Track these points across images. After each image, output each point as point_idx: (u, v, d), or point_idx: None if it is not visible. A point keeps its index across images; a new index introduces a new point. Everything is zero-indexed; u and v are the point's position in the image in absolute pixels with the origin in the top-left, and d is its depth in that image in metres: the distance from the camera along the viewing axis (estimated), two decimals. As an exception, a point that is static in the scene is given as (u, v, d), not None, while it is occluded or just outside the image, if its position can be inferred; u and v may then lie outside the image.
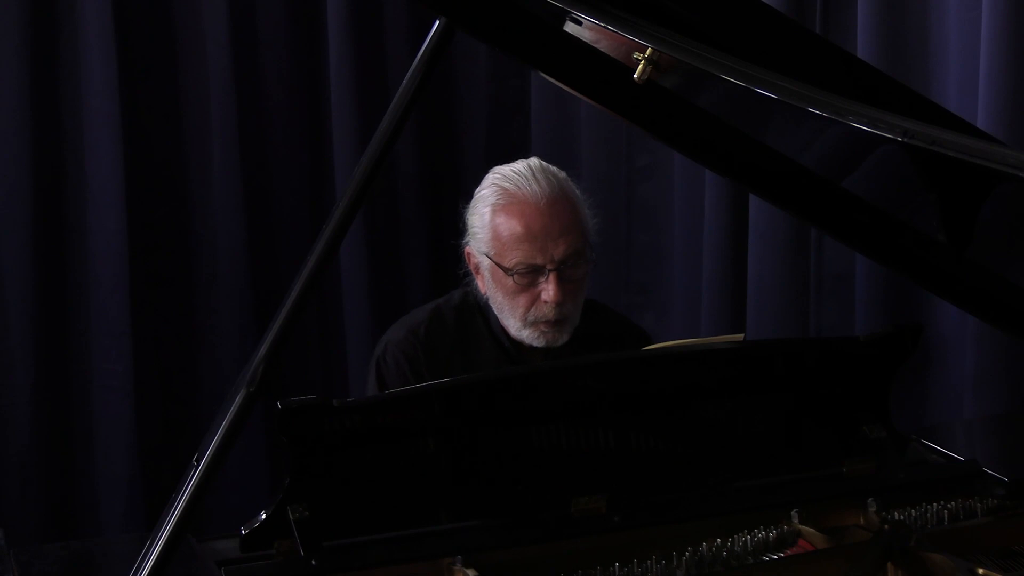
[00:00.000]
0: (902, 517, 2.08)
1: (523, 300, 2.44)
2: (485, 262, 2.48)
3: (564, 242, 2.42)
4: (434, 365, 2.51)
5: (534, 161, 2.51)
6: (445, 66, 3.67)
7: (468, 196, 2.58)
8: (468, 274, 2.56)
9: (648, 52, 1.63)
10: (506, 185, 2.47)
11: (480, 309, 2.56)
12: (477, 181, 2.56)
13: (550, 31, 1.79)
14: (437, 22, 1.79)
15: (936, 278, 2.10)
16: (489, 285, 2.49)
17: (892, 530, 1.95)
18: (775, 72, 1.60)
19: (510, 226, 2.43)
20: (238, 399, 1.74)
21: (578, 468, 2.02)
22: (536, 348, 2.49)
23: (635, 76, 1.64)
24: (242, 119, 3.52)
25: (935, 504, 2.11)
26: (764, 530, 2.01)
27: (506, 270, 2.43)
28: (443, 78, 3.73)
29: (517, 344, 2.51)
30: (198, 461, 1.73)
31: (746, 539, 1.99)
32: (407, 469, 1.95)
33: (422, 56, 1.80)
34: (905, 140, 1.52)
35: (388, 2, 3.63)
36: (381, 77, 3.62)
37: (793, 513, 2.05)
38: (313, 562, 1.83)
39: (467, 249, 2.53)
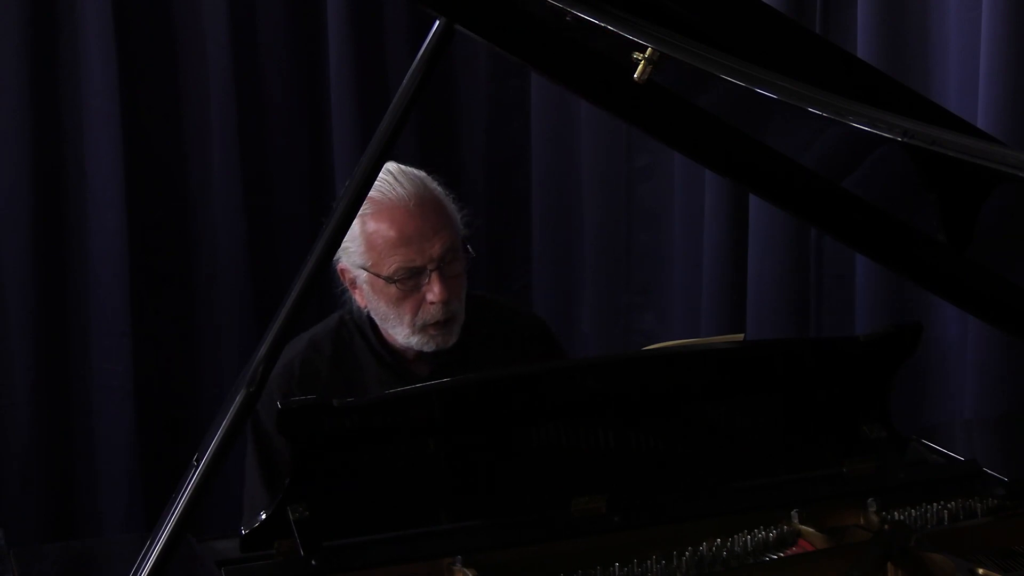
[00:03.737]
0: (902, 517, 2.08)
1: (408, 306, 2.38)
2: (362, 275, 2.41)
3: (439, 240, 2.37)
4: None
5: (392, 165, 2.45)
6: (445, 66, 3.67)
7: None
8: (345, 291, 2.50)
9: (648, 52, 1.63)
10: (371, 194, 2.39)
11: (358, 329, 2.50)
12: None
13: (550, 31, 1.79)
14: (437, 22, 1.79)
15: (936, 278, 2.10)
16: (369, 298, 2.43)
17: (892, 530, 1.95)
18: (775, 72, 1.60)
19: (383, 233, 2.38)
20: (238, 399, 1.74)
21: (578, 468, 2.02)
22: (424, 354, 2.44)
23: (635, 76, 1.64)
24: (242, 119, 3.52)
25: (935, 504, 2.11)
26: (764, 530, 2.01)
27: (386, 279, 2.37)
28: (443, 78, 3.72)
29: (400, 357, 2.47)
30: (198, 461, 1.73)
31: (746, 539, 1.99)
32: (407, 469, 1.95)
33: (422, 56, 1.80)
34: (905, 140, 1.52)
35: (388, 2, 3.64)
36: (381, 77, 3.62)
37: (793, 513, 2.05)
38: (313, 562, 1.83)
39: (340, 266, 2.45)
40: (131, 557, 1.74)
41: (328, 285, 3.59)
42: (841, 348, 2.24)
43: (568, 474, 2.02)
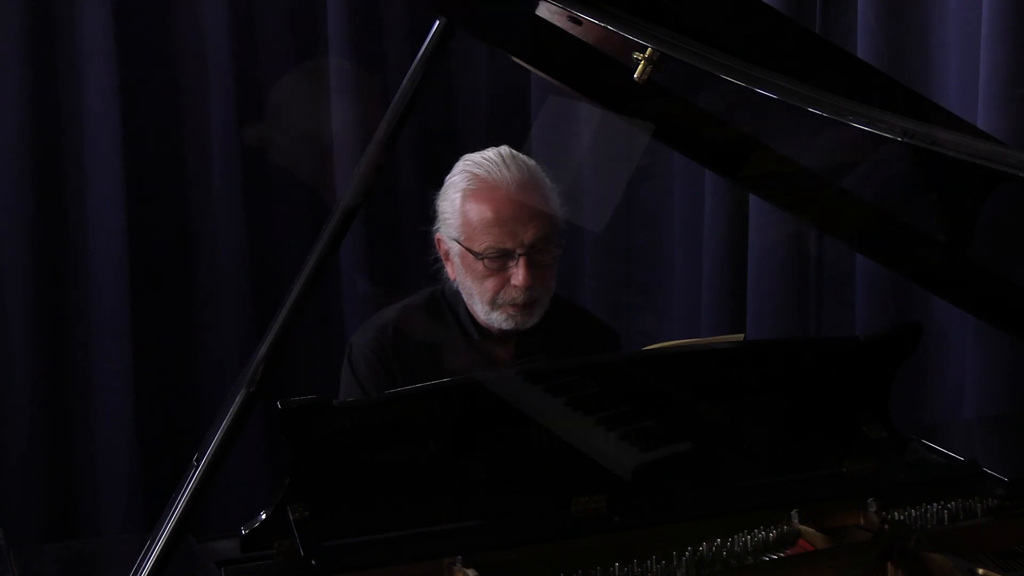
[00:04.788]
0: (902, 517, 2.08)
1: (492, 284, 2.46)
2: (455, 247, 2.49)
3: (533, 227, 2.43)
4: (403, 361, 2.52)
5: (504, 149, 2.53)
6: (445, 66, 3.67)
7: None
8: (438, 260, 2.57)
9: (648, 52, 1.63)
10: (476, 171, 2.48)
11: (448, 304, 2.58)
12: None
13: (550, 31, 1.79)
14: (437, 22, 1.80)
15: (936, 278, 2.10)
16: (458, 270, 2.51)
17: (892, 530, 1.95)
18: (775, 72, 1.60)
19: (480, 211, 2.45)
20: (238, 399, 1.75)
21: (578, 468, 2.02)
22: (506, 332, 2.50)
23: (635, 76, 1.64)
24: (242, 119, 3.51)
25: (935, 504, 2.11)
26: (764, 530, 2.01)
27: (476, 255, 2.45)
28: (443, 78, 3.72)
29: (486, 334, 2.53)
30: (198, 461, 1.73)
31: (746, 539, 1.99)
32: (407, 469, 1.95)
33: (422, 56, 1.80)
34: (905, 140, 1.53)
35: (388, 2, 3.64)
36: (381, 77, 3.62)
37: (793, 513, 2.05)
38: (313, 562, 1.83)
39: (437, 235, 2.55)
40: (131, 557, 1.75)
41: (328, 285, 3.61)
42: (841, 348, 2.24)
43: (568, 474, 2.02)
